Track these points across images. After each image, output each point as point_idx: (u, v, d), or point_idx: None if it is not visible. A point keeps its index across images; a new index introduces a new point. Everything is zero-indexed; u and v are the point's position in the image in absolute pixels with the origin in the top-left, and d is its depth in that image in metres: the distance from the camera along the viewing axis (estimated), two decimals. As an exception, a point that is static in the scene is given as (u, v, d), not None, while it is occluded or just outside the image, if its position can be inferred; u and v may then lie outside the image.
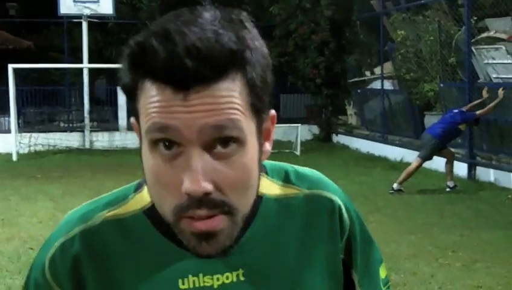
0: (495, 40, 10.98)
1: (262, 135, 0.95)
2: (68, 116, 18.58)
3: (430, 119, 12.54)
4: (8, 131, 15.67)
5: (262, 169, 1.04)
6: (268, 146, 0.98)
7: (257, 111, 0.91)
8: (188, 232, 0.89)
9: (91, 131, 17.16)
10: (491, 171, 10.87)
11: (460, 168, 10.90)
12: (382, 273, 1.22)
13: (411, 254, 6.53)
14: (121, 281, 0.99)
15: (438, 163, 10.96)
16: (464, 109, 10.18)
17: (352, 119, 17.86)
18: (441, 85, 12.67)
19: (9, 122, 15.79)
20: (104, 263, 0.99)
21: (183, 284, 0.98)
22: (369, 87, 16.54)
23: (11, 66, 14.98)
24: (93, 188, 10.60)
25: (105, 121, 18.64)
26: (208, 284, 0.98)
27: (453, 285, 5.66)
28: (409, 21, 13.95)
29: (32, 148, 16.22)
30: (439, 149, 9.88)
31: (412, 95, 13.88)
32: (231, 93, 0.85)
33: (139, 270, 0.99)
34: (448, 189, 10.02)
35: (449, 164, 10.08)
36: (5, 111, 15.94)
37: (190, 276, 0.98)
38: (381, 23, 15.24)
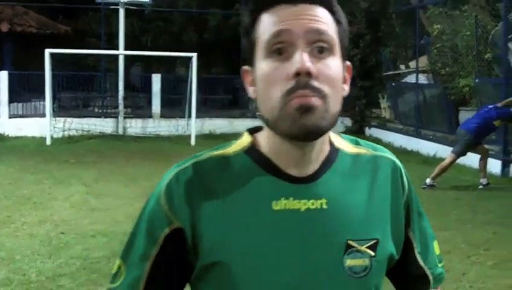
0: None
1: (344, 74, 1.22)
2: (103, 102, 18.75)
3: (465, 115, 12.38)
4: (43, 115, 15.87)
5: (338, 134, 1.32)
6: (346, 87, 1.24)
7: (340, 43, 1.20)
8: (292, 110, 1.12)
9: (125, 117, 17.31)
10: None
11: (494, 165, 10.75)
12: (436, 249, 1.41)
13: (444, 251, 6.37)
14: (228, 201, 1.20)
15: (472, 159, 10.84)
16: (498, 104, 10.03)
17: (386, 113, 17.73)
18: (477, 80, 12.50)
19: (44, 106, 15.98)
20: (213, 188, 1.20)
21: (276, 205, 1.18)
22: (403, 80, 16.40)
23: (47, 51, 15.16)
24: (127, 173, 10.70)
25: (139, 107, 18.78)
26: (296, 208, 1.18)
27: (484, 284, 5.59)
28: (445, 15, 13.78)
29: (66, 133, 16.41)
30: (473, 145, 9.76)
31: (447, 90, 13.73)
32: (327, 19, 1.18)
33: (240, 193, 1.20)
34: (481, 186, 9.90)
35: (483, 161, 9.95)
36: (41, 95, 16.14)
37: (282, 199, 1.18)
38: (418, 17, 15.08)
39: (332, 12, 1.19)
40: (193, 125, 15.86)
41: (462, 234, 7.16)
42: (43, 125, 15.53)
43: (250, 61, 1.22)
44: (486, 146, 10.15)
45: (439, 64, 14.04)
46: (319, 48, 1.15)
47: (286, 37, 1.14)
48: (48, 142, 15.07)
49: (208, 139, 16.18)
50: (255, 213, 1.18)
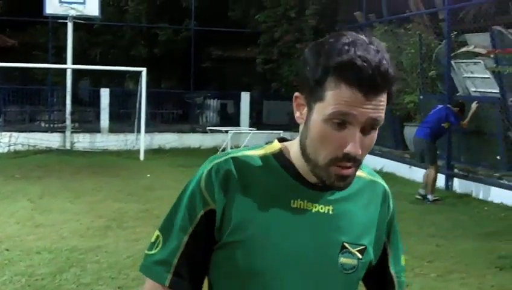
0: (474, 55, 11.13)
1: None
2: (50, 116, 18.47)
3: (410, 130, 12.67)
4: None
5: None
6: None
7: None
8: (333, 174, 1.38)
9: (72, 132, 17.08)
10: (469, 183, 10.99)
11: (439, 180, 10.99)
12: (403, 260, 1.66)
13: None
14: (256, 192, 1.45)
15: (419, 173, 11.10)
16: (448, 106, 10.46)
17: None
18: (421, 97, 12.81)
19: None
20: (247, 179, 1.46)
21: (293, 203, 1.45)
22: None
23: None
24: (73, 189, 10.57)
25: (88, 122, 18.58)
26: (308, 208, 1.45)
27: (427, 295, 5.73)
28: (391, 33, 14.09)
29: (12, 148, 16.12)
30: (434, 148, 10.07)
31: (392, 106, 13.99)
32: (384, 100, 1.35)
33: (266, 188, 1.46)
34: (428, 202, 10.08)
35: (432, 176, 10.14)
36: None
37: (299, 199, 1.45)
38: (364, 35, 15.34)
39: (389, 93, 1.37)
40: (142, 140, 15.74)
41: (406, 246, 7.24)
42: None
43: (307, 95, 1.40)
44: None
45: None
46: (372, 128, 1.37)
47: (350, 119, 1.33)
48: (-7, 157, 14.78)
49: (157, 154, 16.11)
50: (276, 207, 1.44)
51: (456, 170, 11.55)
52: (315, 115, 1.38)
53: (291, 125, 18.24)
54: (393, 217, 1.60)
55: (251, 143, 13.39)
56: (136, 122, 16.59)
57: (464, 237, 7.86)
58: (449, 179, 11.44)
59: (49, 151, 16.27)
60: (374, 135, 1.38)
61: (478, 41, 11.16)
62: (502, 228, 8.41)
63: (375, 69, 1.31)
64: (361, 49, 1.33)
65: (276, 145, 1.52)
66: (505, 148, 10.46)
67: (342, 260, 1.46)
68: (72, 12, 16.64)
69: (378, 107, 1.34)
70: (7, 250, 6.78)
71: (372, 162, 13.98)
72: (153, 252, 1.49)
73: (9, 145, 16.08)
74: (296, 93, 1.45)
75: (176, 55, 21.53)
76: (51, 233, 7.53)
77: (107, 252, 6.77)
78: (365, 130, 1.35)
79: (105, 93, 18.01)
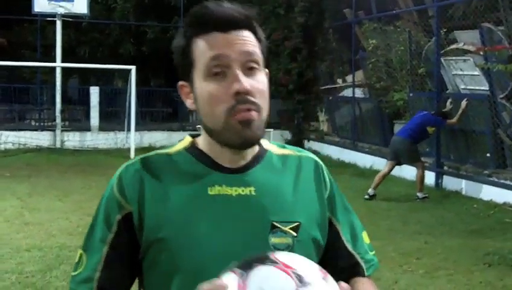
0: (463, 52, 11.18)
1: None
2: (39, 114, 18.41)
3: (399, 128, 12.69)
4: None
5: (267, 139, 1.52)
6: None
7: (263, 56, 1.42)
8: (235, 123, 1.35)
9: (62, 130, 17.04)
10: (458, 180, 11.04)
11: (428, 177, 11.05)
12: (366, 239, 1.59)
13: (375, 260, 6.60)
14: (169, 187, 1.41)
15: (404, 171, 11.14)
16: (432, 113, 10.48)
17: (324, 126, 18.00)
18: (411, 94, 12.85)
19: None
20: (157, 177, 1.42)
21: (211, 190, 1.40)
22: (340, 94, 16.70)
23: (-19, 63, 14.86)
24: (62, 187, 10.56)
25: (77, 120, 18.54)
26: (228, 193, 1.40)
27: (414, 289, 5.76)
28: (380, 31, 14.13)
29: (2, 147, 16.07)
30: (415, 150, 10.09)
31: (382, 104, 14.05)
32: (253, 40, 1.39)
33: (180, 180, 1.41)
34: (417, 199, 10.10)
35: (419, 174, 10.17)
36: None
37: (216, 186, 1.40)
38: (353, 32, 15.41)
39: (255, 33, 1.41)
40: (132, 138, 15.73)
41: (393, 243, 7.33)
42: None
43: (186, 77, 1.43)
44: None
45: (374, 78, 14.36)
46: (250, 67, 1.37)
47: (223, 60, 1.35)
48: (-18, 155, 14.73)
49: (148, 152, 16.04)
50: (193, 197, 1.40)
51: (445, 168, 11.60)
52: (197, 83, 1.39)
53: (281, 123, 18.32)
54: (333, 192, 1.53)
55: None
56: (126, 121, 16.57)
57: (451, 234, 7.90)
58: (439, 176, 11.48)
59: (39, 149, 16.23)
60: (261, 76, 1.39)
61: (467, 39, 11.21)
62: (490, 225, 8.45)
63: (224, 9, 1.38)
64: (210, 4, 1.39)
65: (187, 140, 1.51)
66: (494, 145, 10.50)
67: (273, 240, 1.38)
68: (61, 10, 16.59)
69: (247, 41, 1.37)
70: (-5, 249, 6.78)
71: (361, 160, 14.06)
72: (77, 272, 1.44)
73: (-1, 144, 16.04)
74: (179, 82, 1.46)
75: (164, 53, 21.47)
76: (40, 231, 7.53)
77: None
78: (246, 70, 1.36)
79: (94, 92, 17.97)
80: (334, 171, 10.94)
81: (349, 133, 16.03)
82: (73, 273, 1.45)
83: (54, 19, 16.86)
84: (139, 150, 15.87)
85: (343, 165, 14.33)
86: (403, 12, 13.84)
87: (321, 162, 1.56)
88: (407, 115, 13.14)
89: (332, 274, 1.37)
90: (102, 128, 17.70)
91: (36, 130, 17.37)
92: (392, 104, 13.47)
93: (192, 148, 1.48)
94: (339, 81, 16.94)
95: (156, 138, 17.54)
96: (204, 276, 1.27)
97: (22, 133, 16.74)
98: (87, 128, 17.61)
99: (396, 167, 10.49)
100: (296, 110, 17.79)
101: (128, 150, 15.56)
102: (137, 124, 16.16)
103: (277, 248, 1.37)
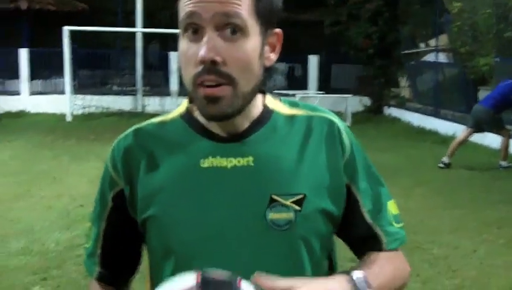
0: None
1: (267, 42, 1.26)
2: (121, 79, 18.85)
3: (484, 94, 12.29)
4: (63, 92, 15.99)
5: (277, 98, 1.38)
6: (273, 56, 1.29)
7: (262, 19, 1.22)
8: (201, 96, 1.20)
9: (143, 95, 17.39)
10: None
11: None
12: (392, 209, 1.38)
13: (454, 229, 6.48)
14: (160, 161, 1.30)
15: (488, 139, 10.81)
16: None
17: (405, 92, 17.65)
18: (497, 59, 12.41)
19: (64, 83, 16.10)
20: (149, 149, 1.32)
21: (203, 163, 1.27)
22: (423, 59, 16.30)
23: (66, 28, 15.25)
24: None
25: (157, 85, 18.85)
26: (223, 165, 1.26)
27: (494, 260, 5.61)
28: (465, -6, 13.68)
29: (86, 110, 16.56)
30: (495, 120, 9.70)
31: (466, 69, 13.64)
32: None
33: (172, 153, 1.30)
34: (500, 168, 9.81)
35: (504, 143, 9.85)
36: (59, 72, 16.26)
37: (210, 157, 1.27)
38: (438, -6, 14.98)
39: None
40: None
41: (474, 213, 7.15)
42: (63, 102, 15.68)
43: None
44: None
45: (459, 42, 13.94)
46: (231, 29, 1.18)
47: (196, 19, 1.18)
48: (69, 118, 15.23)
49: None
50: (184, 170, 1.27)
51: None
52: (179, 36, 1.24)
53: (360, 89, 18.08)
54: (353, 156, 1.33)
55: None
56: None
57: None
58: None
59: (120, 113, 16.63)
60: (243, 43, 1.19)
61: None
62: None
63: None
64: None
65: (184, 106, 1.37)
66: None
67: (272, 215, 1.24)
68: (142, -24, 16.82)
69: (226, 0, 1.17)
70: (81, 206, 7.01)
71: (443, 127, 13.72)
72: (86, 245, 1.42)
73: (84, 108, 16.51)
74: (179, 32, 1.30)
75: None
76: (121, 192, 7.74)
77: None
78: (223, 33, 1.17)
79: (174, 57, 18.22)
80: (414, 138, 10.84)
81: (431, 99, 15.66)
82: (84, 245, 1.44)
83: (135, -16, 17.10)
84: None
85: (424, 133, 14.04)
86: (490, -27, 13.31)
87: (339, 122, 1.35)
88: (492, 80, 12.72)
89: (350, 245, 1.40)
90: (181, 92, 17.95)
91: (118, 94, 17.79)
92: (477, 69, 13.06)
93: (188, 115, 1.34)
94: (422, 45, 16.52)
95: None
96: (197, 260, 1.23)
97: (104, 97, 17.19)
98: (167, 93, 17.91)
99: (479, 135, 10.17)
100: (376, 76, 17.49)
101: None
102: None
103: (276, 224, 1.24)
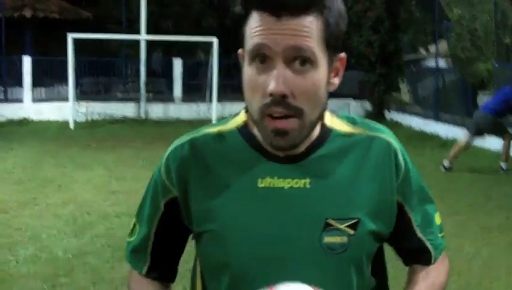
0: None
1: (332, 68, 1.27)
2: (124, 86, 18.93)
3: (484, 99, 12.40)
4: (66, 100, 16.04)
5: (335, 113, 1.38)
6: (336, 80, 1.30)
7: (329, 47, 1.22)
8: (268, 129, 1.21)
9: (146, 102, 17.47)
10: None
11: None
12: (437, 220, 1.44)
13: (455, 234, 6.52)
14: (217, 176, 1.31)
15: (489, 142, 10.89)
16: None
17: (406, 97, 17.74)
18: (496, 65, 12.50)
19: (67, 91, 16.16)
20: (205, 162, 1.33)
21: (261, 183, 1.28)
22: (423, 65, 16.40)
23: (70, 35, 15.32)
24: (147, 157, 10.86)
25: (160, 92, 18.94)
26: (280, 186, 1.28)
27: (497, 262, 5.69)
28: (464, 0, 13.76)
29: (89, 118, 16.62)
30: (496, 125, 9.81)
31: (466, 74, 13.73)
32: (311, 27, 1.18)
33: (230, 169, 1.31)
34: (501, 171, 9.91)
35: (506, 145, 9.96)
36: (63, 80, 16.34)
37: (267, 177, 1.28)
38: (437, 2, 15.06)
39: (321, 12, 1.20)
40: (214, 110, 15.98)
41: (474, 219, 7.20)
42: (66, 110, 15.75)
43: (243, 47, 1.27)
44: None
45: (459, 49, 14.04)
46: (301, 61, 1.19)
47: (265, 51, 1.18)
48: (71, 126, 15.29)
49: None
50: (242, 188, 1.29)
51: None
52: (245, 60, 1.24)
53: (362, 94, 18.16)
54: (408, 176, 1.36)
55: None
56: (208, 92, 16.80)
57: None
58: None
59: (124, 120, 16.69)
60: (312, 74, 1.20)
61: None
62: None
63: None
64: None
65: (241, 118, 1.36)
66: None
67: (327, 239, 1.26)
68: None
69: (300, 33, 1.17)
70: (87, 213, 7.11)
71: (444, 131, 13.81)
72: (131, 239, 1.47)
73: (86, 115, 16.58)
74: (239, 50, 1.30)
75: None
76: (127, 199, 7.80)
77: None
78: (292, 65, 1.18)
79: (177, 63, 18.32)
80: (415, 142, 10.82)
81: (431, 104, 15.75)
82: (128, 239, 1.48)
83: (138, -8, 17.19)
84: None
85: (424, 137, 14.12)
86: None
87: (396, 144, 1.36)
88: (491, 85, 12.82)
89: (399, 253, 1.47)
90: (185, 99, 18.03)
91: (121, 101, 17.86)
92: (477, 74, 13.15)
93: (245, 129, 1.33)
94: (422, 51, 16.62)
95: (237, 108, 17.51)
96: (251, 278, 1.27)
97: (107, 104, 17.25)
98: (171, 100, 17.99)
99: (480, 139, 10.28)
100: (377, 82, 17.58)
101: (211, 121, 15.83)
102: (219, 95, 16.38)
103: (330, 247, 1.26)
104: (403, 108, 17.09)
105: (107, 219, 6.94)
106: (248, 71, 1.23)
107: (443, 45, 15.21)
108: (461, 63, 14.03)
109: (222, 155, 1.33)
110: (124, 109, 17.24)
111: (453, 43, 14.32)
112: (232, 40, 21.73)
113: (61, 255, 5.74)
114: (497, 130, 9.99)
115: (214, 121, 15.30)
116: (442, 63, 15.21)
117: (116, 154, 11.43)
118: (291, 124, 1.20)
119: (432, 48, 15.74)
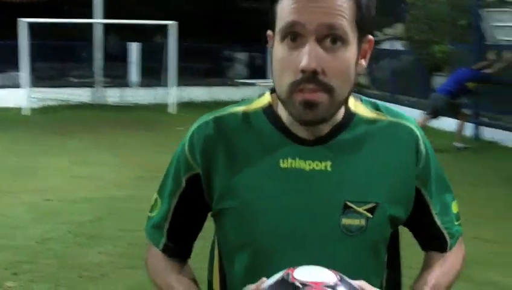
0: (503, 4, 11.04)
1: (361, 50, 1.29)
2: (79, 71, 18.64)
3: (439, 81, 12.64)
4: (18, 86, 15.70)
5: (358, 98, 1.41)
6: (364, 62, 1.32)
7: (359, 28, 1.25)
8: (297, 102, 1.23)
9: (103, 86, 17.26)
10: (496, 131, 11.04)
11: (467, 128, 11.04)
12: (454, 208, 1.48)
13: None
14: (240, 155, 1.34)
15: (445, 122, 11.14)
16: (473, 67, 10.42)
17: (363, 79, 17.92)
18: (451, 47, 12.73)
19: (19, 76, 15.79)
20: (229, 141, 1.35)
21: (283, 163, 1.31)
22: (379, 47, 16.57)
23: (23, 20, 15.01)
24: (106, 142, 10.81)
25: (117, 77, 18.74)
26: (301, 167, 1.30)
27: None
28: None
29: (44, 103, 16.35)
30: (451, 107, 10.09)
31: (421, 56, 13.95)
32: (344, 5, 1.21)
33: (253, 148, 1.34)
34: (456, 149, 10.23)
35: (460, 126, 10.31)
36: (15, 65, 15.99)
37: (289, 158, 1.31)
38: (394, -17, 15.23)
39: None
40: (174, 94, 15.88)
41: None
42: (20, 96, 15.45)
43: (273, 29, 1.28)
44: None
45: (415, 31, 14.24)
46: (332, 39, 1.20)
47: (298, 29, 1.20)
48: (27, 112, 15.02)
49: (189, 107, 16.16)
50: (264, 168, 1.32)
51: (485, 119, 11.56)
52: (275, 41, 1.27)
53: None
54: (428, 163, 1.39)
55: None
56: (167, 76, 16.65)
57: (489, 184, 7.99)
58: (477, 127, 11.47)
59: (81, 106, 16.47)
60: (343, 52, 1.22)
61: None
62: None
63: None
64: None
65: (266, 98, 1.39)
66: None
67: (345, 221, 1.29)
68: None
69: (332, 11, 1.20)
70: (49, 200, 7.06)
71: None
72: (152, 214, 1.49)
73: (42, 101, 16.29)
74: (268, 31, 1.32)
75: (205, 9, 21.42)
76: (89, 184, 7.78)
77: (144, 200, 7.00)
78: (324, 43, 1.20)
79: (133, 48, 18.13)
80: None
81: (388, 86, 15.96)
82: (149, 214, 1.50)
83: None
84: (180, 104, 15.97)
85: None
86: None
87: (418, 131, 1.39)
88: (446, 67, 13.05)
89: (417, 237, 1.51)
90: (142, 84, 17.87)
91: (77, 86, 17.58)
92: (432, 56, 13.38)
93: (270, 110, 1.36)
94: (378, 34, 16.79)
95: (196, 93, 17.60)
96: (271, 256, 1.30)
97: (63, 90, 16.95)
98: (128, 85, 17.82)
99: (437, 119, 10.54)
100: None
101: (168, 105, 15.74)
102: (177, 79, 16.29)
103: (349, 229, 1.29)
104: (360, 90, 17.25)
105: (69, 204, 6.91)
106: (279, 49, 1.25)
107: (399, 27, 15.39)
108: (417, 45, 14.24)
109: (246, 134, 1.35)
110: (80, 94, 16.94)
111: (409, 25, 14.50)
112: (191, 24, 21.58)
113: (24, 242, 5.70)
114: (453, 111, 10.28)
115: (174, 106, 15.34)
116: (398, 46, 15.40)
117: (75, 139, 11.29)
118: (321, 97, 1.22)
119: (388, 31, 15.91)
